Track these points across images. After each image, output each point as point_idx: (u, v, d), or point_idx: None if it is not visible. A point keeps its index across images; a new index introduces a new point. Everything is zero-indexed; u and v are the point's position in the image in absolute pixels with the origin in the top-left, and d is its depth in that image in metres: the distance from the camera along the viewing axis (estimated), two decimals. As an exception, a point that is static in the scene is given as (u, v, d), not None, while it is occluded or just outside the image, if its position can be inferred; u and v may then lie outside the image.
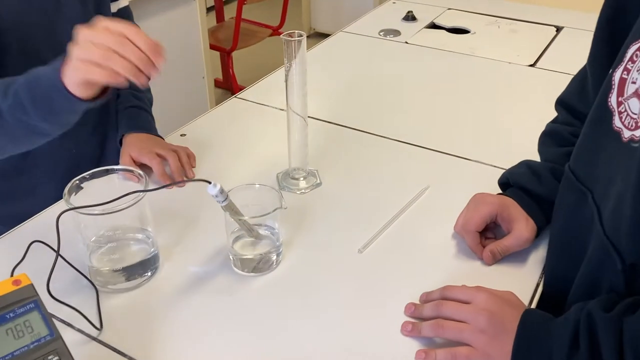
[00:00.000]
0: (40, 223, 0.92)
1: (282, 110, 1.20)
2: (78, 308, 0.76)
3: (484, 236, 0.87)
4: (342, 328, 0.74)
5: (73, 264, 0.79)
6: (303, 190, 0.99)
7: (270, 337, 0.73)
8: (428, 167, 1.07)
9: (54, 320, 0.75)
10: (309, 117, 0.96)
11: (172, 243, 0.87)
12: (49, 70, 0.73)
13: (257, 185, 0.84)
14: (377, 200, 0.97)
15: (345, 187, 1.01)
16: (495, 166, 1.06)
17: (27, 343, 0.61)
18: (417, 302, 0.77)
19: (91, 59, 0.66)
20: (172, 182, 0.96)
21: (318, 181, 1.01)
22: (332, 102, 1.31)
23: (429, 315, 0.73)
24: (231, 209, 0.77)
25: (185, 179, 1.00)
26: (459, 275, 0.82)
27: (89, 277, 0.79)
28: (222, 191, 0.74)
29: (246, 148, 1.12)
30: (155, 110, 1.17)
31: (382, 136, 1.16)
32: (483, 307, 0.69)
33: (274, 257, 0.83)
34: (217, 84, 3.20)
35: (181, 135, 1.16)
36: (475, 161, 1.08)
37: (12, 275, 0.75)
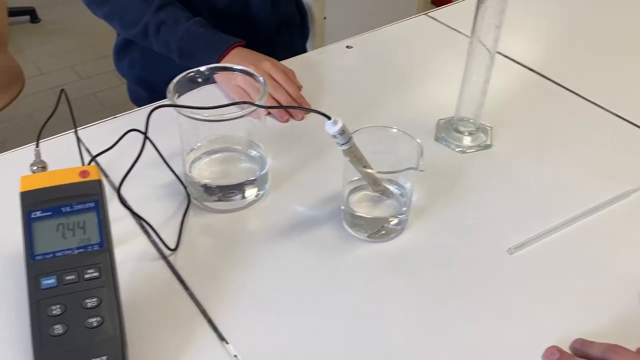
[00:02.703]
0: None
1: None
2: (164, 215, 0.67)
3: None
4: (457, 339, 0.55)
5: (176, 167, 0.70)
6: (464, 149, 0.78)
7: (359, 323, 0.57)
8: (647, 161, 0.78)
9: (132, 222, 0.67)
10: (503, 55, 0.72)
11: (286, 171, 0.73)
12: (206, 55, 0.86)
13: (394, 130, 0.65)
14: (559, 186, 0.73)
15: (521, 159, 0.77)
16: None
17: (72, 246, 0.52)
18: (569, 345, 0.55)
19: (247, 91, 0.79)
20: (286, 106, 0.81)
21: (488, 142, 0.79)
22: (540, 46, 1.03)
23: (573, 378, 0.51)
24: (353, 155, 0.60)
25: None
26: (641, 328, 0.57)
27: (186, 185, 0.70)
28: (343, 131, 0.57)
29: (414, 78, 0.92)
30: (350, 13, 1.00)
31: (595, 103, 0.87)
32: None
33: (395, 225, 0.65)
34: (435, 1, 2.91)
35: (347, 47, 0.99)
36: None
37: (89, 163, 0.67)
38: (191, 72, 0.66)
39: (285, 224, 0.67)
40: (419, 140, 0.62)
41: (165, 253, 0.63)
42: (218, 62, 0.86)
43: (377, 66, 0.94)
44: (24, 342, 0.54)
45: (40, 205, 0.53)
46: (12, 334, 0.55)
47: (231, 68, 0.69)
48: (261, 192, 0.69)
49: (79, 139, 0.69)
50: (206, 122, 0.62)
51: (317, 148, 0.77)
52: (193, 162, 0.69)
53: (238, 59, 0.85)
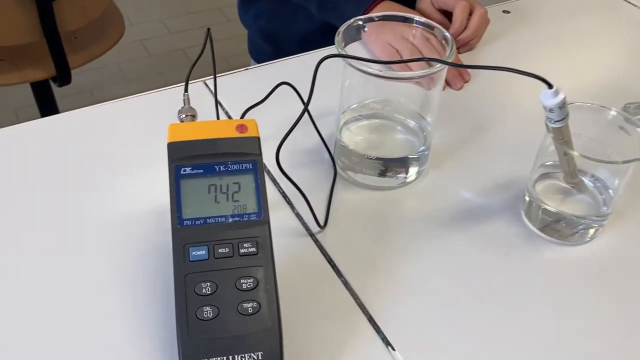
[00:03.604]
0: (303, 64, 0.74)
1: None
2: (307, 185, 0.57)
3: None
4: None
5: (324, 130, 0.60)
6: (660, 142, 0.64)
7: (545, 343, 0.46)
8: None
9: (272, 189, 0.58)
10: None
11: (446, 149, 0.63)
12: (350, 7, 0.75)
13: (612, 113, 0.53)
14: None
15: None
16: None
17: (225, 213, 0.44)
18: None
19: (400, 51, 0.68)
20: (493, 67, 0.69)
21: (688, 136, 0.65)
22: None
23: None
24: (562, 136, 0.49)
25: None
26: None
27: (332, 152, 0.60)
28: (563, 105, 0.46)
29: (583, 49, 0.79)
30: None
31: None
32: None
33: (591, 227, 0.53)
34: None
35: (503, 11, 0.86)
36: None
37: (242, 117, 0.58)
38: (359, 19, 0.56)
39: (450, 210, 0.56)
40: (643, 127, 0.50)
41: (312, 230, 0.54)
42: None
43: (541, 35, 0.81)
44: (167, 321, 0.46)
45: (190, 160, 0.45)
46: (154, 308, 0.47)
47: (411, 19, 0.58)
48: (417, 173, 0.59)
49: (216, 89, 0.60)
50: (379, 79, 0.51)
51: (480, 123, 0.66)
52: (345, 124, 0.59)
53: None
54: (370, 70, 0.50)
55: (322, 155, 0.61)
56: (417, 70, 0.54)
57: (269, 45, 0.94)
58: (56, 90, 1.40)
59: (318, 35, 0.80)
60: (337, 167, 0.59)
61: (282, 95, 0.60)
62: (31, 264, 0.50)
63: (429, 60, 0.51)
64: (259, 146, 0.46)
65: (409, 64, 0.62)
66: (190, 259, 0.42)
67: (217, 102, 0.61)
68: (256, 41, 0.96)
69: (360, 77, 0.52)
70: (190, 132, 0.46)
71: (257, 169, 0.45)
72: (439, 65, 0.51)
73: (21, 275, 0.49)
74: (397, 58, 0.69)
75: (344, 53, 0.52)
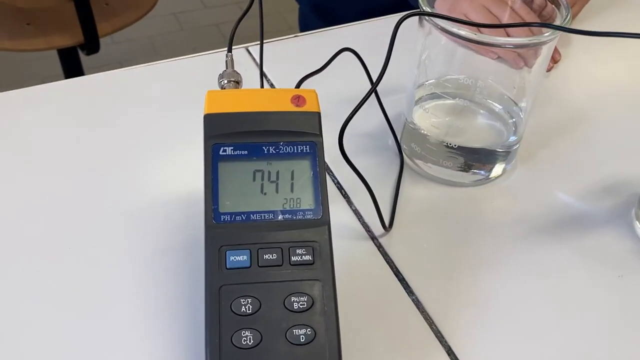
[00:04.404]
0: (360, 32, 0.64)
1: None
2: (367, 176, 0.47)
3: None
4: None
5: (388, 109, 0.50)
6: None
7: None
8: None
9: (328, 183, 0.48)
10: None
11: (543, 140, 0.52)
12: None
13: None
14: None
15: None
16: None
17: (274, 208, 0.34)
18: None
19: (472, 19, 0.56)
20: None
21: None
22: None
23: None
24: None
25: None
26: None
27: (399, 137, 0.49)
28: None
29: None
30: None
31: None
32: None
33: None
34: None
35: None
36: None
37: (297, 87, 0.48)
38: (445, -26, 0.45)
39: (545, 217, 0.46)
40: None
41: (374, 232, 0.44)
42: None
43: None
44: (193, 343, 0.36)
45: (232, 138, 0.35)
46: (177, 325, 0.38)
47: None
48: (501, 169, 0.48)
49: (262, 55, 0.50)
50: (467, 51, 0.41)
51: (578, 111, 0.55)
52: (418, 102, 0.48)
53: None
54: (463, 34, 0.40)
55: (385, 141, 0.51)
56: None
57: (321, 21, 0.83)
58: (84, 61, 1.32)
59: (377, 15, 0.71)
60: (404, 155, 0.49)
61: (338, 65, 0.49)
62: (29, 254, 0.40)
63: (538, 26, 0.40)
64: (319, 124, 0.36)
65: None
66: (228, 266, 0.33)
67: (262, 72, 0.51)
68: (308, 14, 0.86)
69: (445, 45, 0.42)
70: (234, 103, 0.36)
71: (317, 154, 0.35)
72: (547, 33, 0.40)
73: (16, 269, 0.40)
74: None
75: (431, 11, 0.41)
